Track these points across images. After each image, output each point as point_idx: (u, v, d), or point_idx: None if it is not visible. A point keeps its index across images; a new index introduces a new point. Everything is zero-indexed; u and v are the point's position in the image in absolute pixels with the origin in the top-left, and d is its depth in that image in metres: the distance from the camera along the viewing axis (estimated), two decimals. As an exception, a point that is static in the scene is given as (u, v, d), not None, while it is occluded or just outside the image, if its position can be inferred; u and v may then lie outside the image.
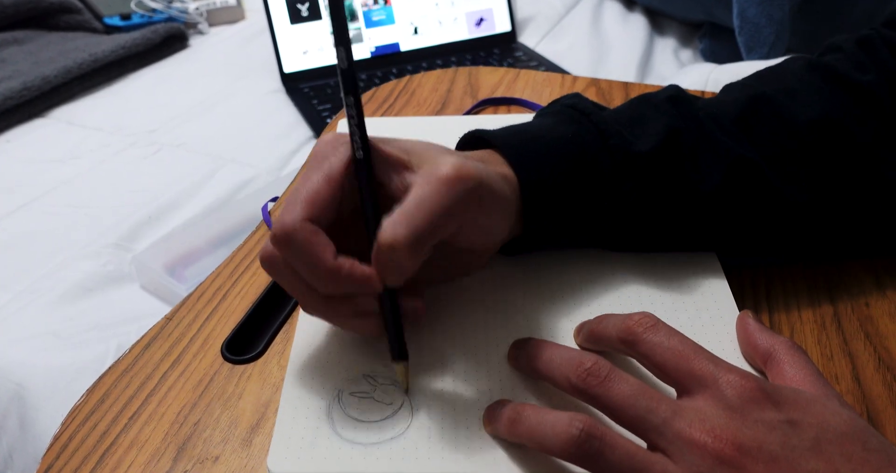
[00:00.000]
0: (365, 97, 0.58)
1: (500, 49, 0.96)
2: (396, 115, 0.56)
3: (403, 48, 0.94)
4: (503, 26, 0.97)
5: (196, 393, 0.34)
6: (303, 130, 0.82)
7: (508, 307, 0.36)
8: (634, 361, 0.30)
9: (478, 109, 0.56)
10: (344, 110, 0.32)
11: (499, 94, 0.58)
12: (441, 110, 0.56)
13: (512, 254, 0.37)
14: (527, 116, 0.41)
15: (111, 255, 0.65)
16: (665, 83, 0.43)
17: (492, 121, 0.52)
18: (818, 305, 0.38)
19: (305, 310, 0.32)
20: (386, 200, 0.31)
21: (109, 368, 0.35)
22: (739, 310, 0.35)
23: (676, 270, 0.37)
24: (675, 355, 0.28)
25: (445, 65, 0.93)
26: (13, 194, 0.72)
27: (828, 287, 0.39)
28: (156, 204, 0.70)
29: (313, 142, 0.79)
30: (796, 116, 0.37)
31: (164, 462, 0.31)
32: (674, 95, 0.38)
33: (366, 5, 0.92)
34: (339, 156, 0.30)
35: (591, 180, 0.35)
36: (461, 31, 0.96)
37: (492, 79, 0.60)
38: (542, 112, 0.40)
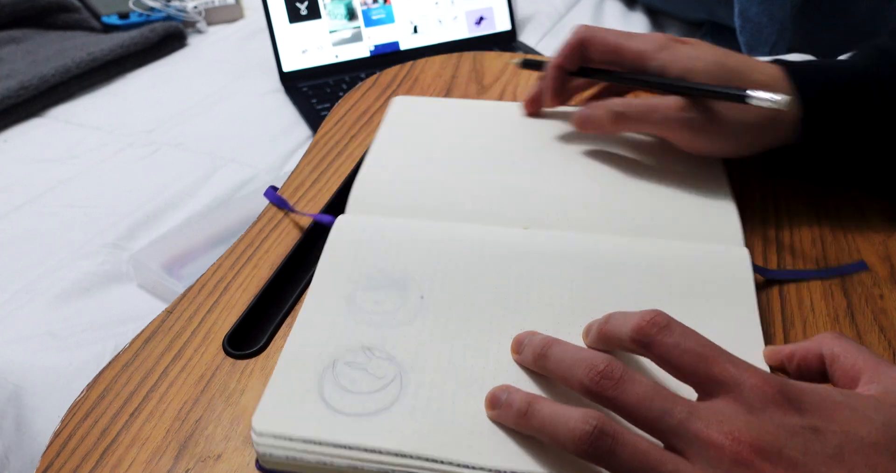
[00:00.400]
0: (367, 83, 0.58)
1: (500, 48, 0.96)
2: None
3: (403, 47, 0.94)
4: (503, 25, 0.97)
5: (198, 389, 0.33)
6: (302, 129, 0.82)
7: (519, 300, 0.35)
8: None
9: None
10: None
11: (505, 78, 0.58)
12: (446, 96, 0.55)
13: (774, 176, 0.43)
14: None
15: (109, 254, 0.64)
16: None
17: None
18: (831, 298, 0.37)
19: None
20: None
21: (109, 363, 0.34)
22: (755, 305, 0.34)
23: (697, 268, 0.36)
24: (693, 357, 0.27)
25: (446, 64, 0.92)
26: (11, 193, 0.72)
27: (841, 280, 0.38)
28: (154, 204, 0.69)
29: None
30: None
31: (165, 461, 0.30)
32: None
33: (365, 4, 0.92)
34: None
35: (879, 114, 0.38)
36: (461, 30, 0.95)
37: (497, 64, 0.60)
38: (854, 53, 0.43)
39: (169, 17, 1.01)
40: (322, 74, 0.90)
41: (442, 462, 0.28)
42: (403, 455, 0.28)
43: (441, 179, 0.43)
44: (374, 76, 0.58)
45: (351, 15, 0.91)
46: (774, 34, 0.83)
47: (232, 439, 0.31)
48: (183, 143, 0.79)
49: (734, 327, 0.34)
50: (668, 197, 0.41)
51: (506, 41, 0.97)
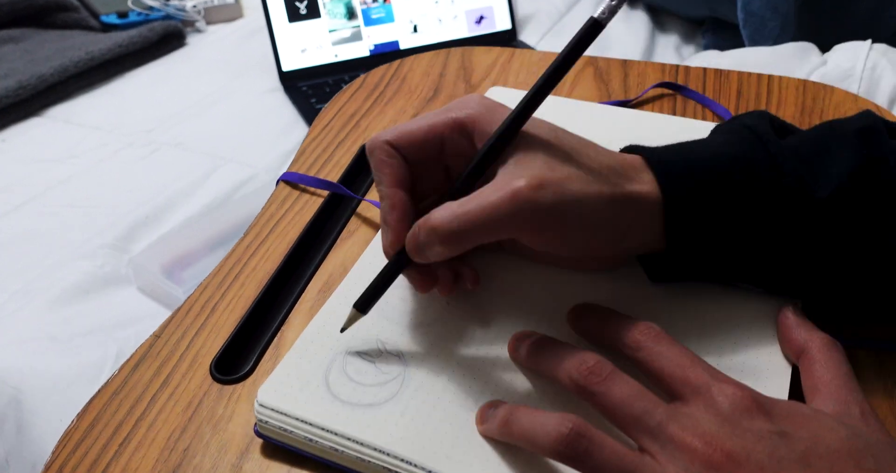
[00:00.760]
0: (354, 85, 0.57)
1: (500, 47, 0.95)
2: (388, 103, 0.54)
3: (403, 46, 0.93)
4: (503, 24, 0.96)
5: (185, 416, 0.33)
6: (301, 128, 0.81)
7: (522, 307, 0.35)
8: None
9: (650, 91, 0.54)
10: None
11: (494, 75, 0.57)
12: (434, 96, 0.55)
13: (656, 280, 0.35)
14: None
15: (108, 256, 0.64)
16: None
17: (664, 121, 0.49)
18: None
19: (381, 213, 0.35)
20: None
21: (99, 390, 0.35)
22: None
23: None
24: (671, 363, 0.29)
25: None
26: (9, 193, 0.72)
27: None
28: (153, 204, 0.69)
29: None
30: None
31: (154, 493, 0.31)
32: (866, 126, 0.33)
33: (365, 3, 0.91)
34: (458, 114, 0.33)
35: (752, 212, 0.32)
36: (461, 29, 0.95)
37: (486, 60, 0.59)
38: (718, 128, 0.37)
39: (168, 17, 1.01)
40: (321, 74, 0.90)
41: (416, 466, 0.29)
42: (382, 451, 0.29)
43: None
44: (361, 77, 0.57)
45: (350, 14, 0.90)
46: (778, 27, 0.82)
47: (219, 468, 0.31)
48: (182, 142, 0.79)
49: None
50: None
51: (506, 40, 0.96)
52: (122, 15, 1.00)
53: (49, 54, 0.90)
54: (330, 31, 0.90)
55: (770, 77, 0.55)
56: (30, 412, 0.53)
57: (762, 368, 0.32)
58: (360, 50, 0.91)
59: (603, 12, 0.31)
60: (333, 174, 0.48)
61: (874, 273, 0.32)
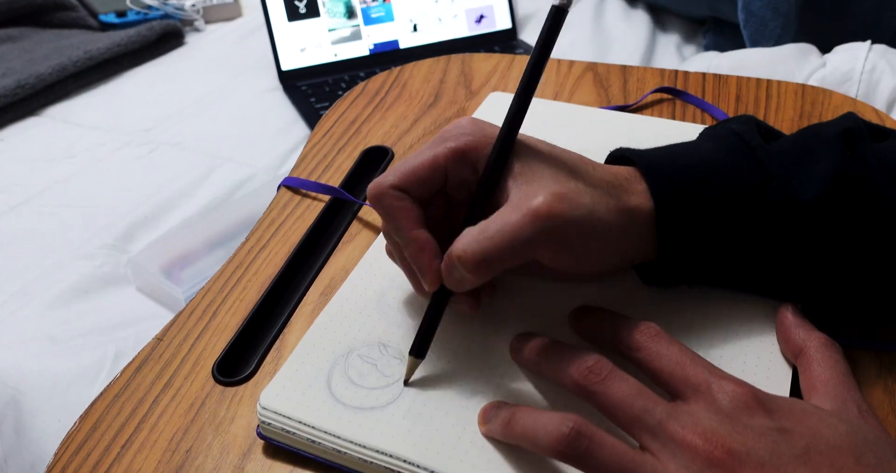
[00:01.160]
0: (355, 91, 0.57)
1: (500, 46, 0.95)
2: (388, 109, 0.55)
3: (403, 45, 0.93)
4: (504, 23, 0.96)
5: (188, 418, 0.33)
6: (300, 128, 0.81)
7: (523, 309, 0.35)
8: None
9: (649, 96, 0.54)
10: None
11: (494, 81, 0.57)
12: (434, 102, 0.55)
13: (649, 283, 0.35)
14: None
15: (107, 256, 0.64)
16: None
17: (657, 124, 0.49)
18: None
19: (389, 255, 0.34)
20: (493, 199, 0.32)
21: (101, 393, 0.35)
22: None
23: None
24: (671, 361, 0.29)
25: (445, 63, 0.91)
26: (7, 193, 0.71)
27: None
28: (152, 204, 0.69)
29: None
30: None
31: (156, 494, 0.31)
32: (848, 128, 0.34)
33: (364, 2, 0.91)
34: (457, 143, 0.32)
35: (741, 219, 0.32)
36: (461, 29, 0.95)
37: (486, 66, 0.59)
38: (706, 133, 0.37)
39: (166, 16, 1.00)
40: (321, 73, 0.90)
41: (418, 467, 0.29)
42: (384, 453, 0.29)
43: None
44: (362, 84, 0.58)
45: (350, 13, 0.90)
46: (779, 28, 0.83)
47: (221, 469, 0.31)
48: (181, 142, 0.79)
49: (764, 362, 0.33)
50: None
51: (506, 40, 0.96)
52: (121, 14, 1.00)
53: (47, 53, 0.89)
54: (329, 31, 0.90)
55: (769, 82, 0.55)
56: (28, 412, 0.53)
57: (763, 368, 0.32)
58: (360, 49, 0.91)
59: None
60: (335, 180, 0.48)
61: (861, 274, 0.32)
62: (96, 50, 0.88)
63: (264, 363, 0.36)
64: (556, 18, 0.31)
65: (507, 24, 0.96)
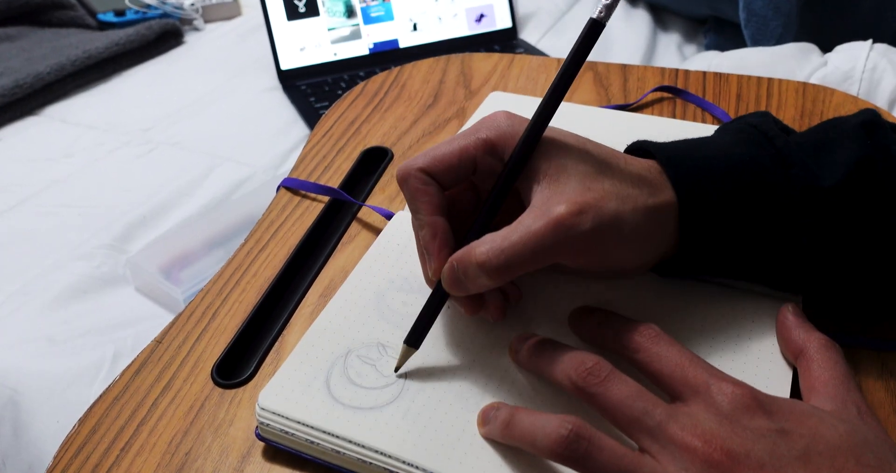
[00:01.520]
0: (354, 92, 0.57)
1: (500, 45, 0.95)
2: (387, 110, 0.55)
3: (402, 45, 0.93)
4: (504, 22, 0.96)
5: (187, 420, 0.33)
6: (300, 127, 0.81)
7: (522, 310, 0.35)
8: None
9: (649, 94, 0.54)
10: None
11: (493, 81, 0.57)
12: (434, 103, 0.55)
13: (666, 276, 0.35)
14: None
15: (105, 256, 0.64)
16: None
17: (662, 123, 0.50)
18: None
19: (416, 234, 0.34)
20: (513, 193, 0.32)
21: (100, 395, 0.35)
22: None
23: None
24: (671, 363, 0.29)
25: (445, 62, 0.91)
26: (5, 193, 0.71)
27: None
28: (150, 204, 0.69)
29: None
30: None
31: (155, 496, 0.31)
32: (868, 119, 0.34)
33: (364, 1, 0.90)
34: (488, 134, 0.32)
35: (762, 210, 0.32)
36: (461, 28, 0.94)
37: (485, 66, 0.59)
38: (723, 128, 0.37)
39: (165, 15, 1.00)
40: (320, 72, 0.89)
41: (417, 468, 0.29)
42: (383, 453, 0.29)
43: None
44: (361, 84, 0.58)
45: (350, 12, 0.90)
46: (780, 27, 0.82)
47: (221, 471, 0.31)
48: (180, 142, 0.79)
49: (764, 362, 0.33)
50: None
51: (506, 38, 0.96)
52: (119, 13, 1.00)
53: (46, 53, 0.89)
54: (329, 30, 0.90)
55: (770, 80, 0.55)
56: (27, 413, 0.53)
57: (763, 369, 0.32)
58: (360, 48, 0.91)
59: (601, 12, 0.31)
60: (334, 180, 0.48)
61: (880, 263, 0.32)
62: (95, 49, 0.88)
63: (263, 365, 0.36)
64: (592, 31, 0.31)
65: (508, 24, 0.96)
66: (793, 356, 0.32)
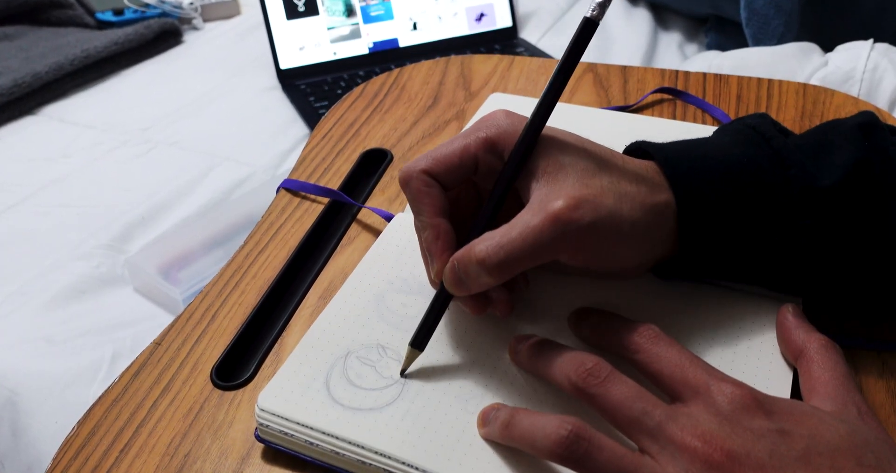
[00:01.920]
0: (354, 93, 0.57)
1: (500, 45, 0.95)
2: (387, 111, 0.55)
3: (402, 44, 0.93)
4: (504, 21, 0.96)
5: (186, 422, 0.33)
6: (299, 127, 0.81)
7: (522, 310, 0.35)
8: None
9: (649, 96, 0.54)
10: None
11: (493, 82, 0.57)
12: (433, 104, 0.55)
13: (666, 278, 0.35)
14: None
15: (104, 256, 0.64)
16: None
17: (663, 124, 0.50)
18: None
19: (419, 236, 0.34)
20: (514, 194, 0.32)
21: (99, 397, 0.35)
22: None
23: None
24: (670, 363, 0.29)
25: (445, 61, 0.91)
26: (3, 193, 0.71)
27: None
28: (149, 204, 0.69)
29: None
30: None
31: (155, 497, 0.31)
32: (866, 121, 0.34)
33: (364, 0, 0.90)
34: (488, 133, 0.32)
35: (761, 210, 0.32)
36: (461, 27, 0.94)
37: (485, 68, 0.59)
38: (721, 129, 0.37)
39: (164, 14, 1.00)
40: (320, 72, 0.89)
41: (417, 469, 0.29)
42: (383, 454, 0.29)
43: None
44: (361, 86, 0.58)
45: (349, 11, 0.90)
46: (782, 26, 0.82)
47: (220, 473, 0.31)
48: (178, 141, 0.79)
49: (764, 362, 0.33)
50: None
51: (507, 38, 0.96)
52: (118, 12, 1.00)
53: (44, 52, 0.89)
54: (328, 29, 0.90)
55: (770, 81, 0.55)
56: (25, 413, 0.53)
57: (763, 370, 0.32)
58: (359, 48, 0.91)
59: (594, 10, 0.31)
60: (334, 182, 0.48)
61: (878, 264, 0.32)
62: (93, 48, 0.88)
63: (263, 366, 0.36)
64: (585, 30, 0.31)
65: (508, 23, 0.96)
66: (793, 357, 0.32)
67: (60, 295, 0.59)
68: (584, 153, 0.32)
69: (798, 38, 0.82)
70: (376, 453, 0.29)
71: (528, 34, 0.97)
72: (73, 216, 0.68)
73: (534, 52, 0.93)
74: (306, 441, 0.30)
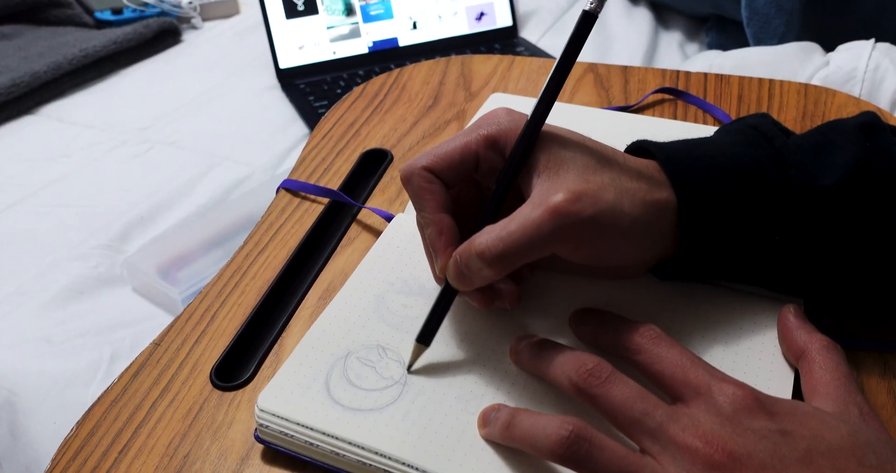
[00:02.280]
0: (354, 94, 0.57)
1: (501, 44, 0.95)
2: (387, 112, 0.54)
3: (402, 43, 0.92)
4: (504, 21, 0.96)
5: (185, 423, 0.33)
6: (299, 127, 0.81)
7: (523, 311, 0.35)
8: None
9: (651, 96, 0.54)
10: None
11: (493, 82, 0.57)
12: (433, 104, 0.55)
13: (666, 279, 0.35)
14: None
15: (102, 256, 0.63)
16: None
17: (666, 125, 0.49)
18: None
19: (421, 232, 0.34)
20: (516, 191, 0.32)
21: (98, 398, 0.34)
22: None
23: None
24: (672, 364, 0.29)
25: (445, 60, 0.91)
26: (2, 192, 0.71)
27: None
28: (148, 203, 0.69)
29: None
30: None
31: (154, 498, 0.30)
32: (867, 121, 0.34)
33: (363, -1, 0.90)
34: (488, 130, 0.33)
35: (761, 210, 0.32)
36: (461, 26, 0.94)
37: (485, 68, 0.59)
38: (722, 129, 0.37)
39: (163, 13, 1.00)
40: (319, 71, 0.89)
41: (417, 469, 0.29)
42: (383, 455, 0.29)
43: None
44: (361, 86, 0.58)
45: (349, 10, 0.90)
46: (783, 25, 0.82)
47: (219, 475, 0.31)
48: (177, 141, 0.79)
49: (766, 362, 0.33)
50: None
51: (507, 37, 0.96)
52: (117, 11, 0.99)
53: (42, 51, 0.89)
54: (328, 28, 0.89)
55: (771, 81, 0.55)
56: (24, 414, 0.52)
57: (764, 371, 0.32)
58: (359, 47, 0.91)
59: (592, 3, 0.31)
60: (334, 182, 0.48)
61: (879, 264, 0.32)
62: (92, 48, 0.87)
63: (262, 367, 0.36)
64: (585, 23, 0.31)
65: (508, 22, 0.96)
66: (794, 358, 0.31)
67: (59, 295, 0.59)
68: (585, 150, 0.32)
69: (799, 37, 0.82)
70: (376, 453, 0.29)
71: (528, 33, 0.97)
72: (71, 216, 0.68)
73: (534, 51, 0.93)
74: (306, 441, 0.30)
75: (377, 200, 0.46)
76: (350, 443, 0.30)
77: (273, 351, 0.36)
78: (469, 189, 0.35)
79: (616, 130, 0.47)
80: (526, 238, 0.29)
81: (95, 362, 0.54)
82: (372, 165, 0.50)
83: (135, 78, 0.91)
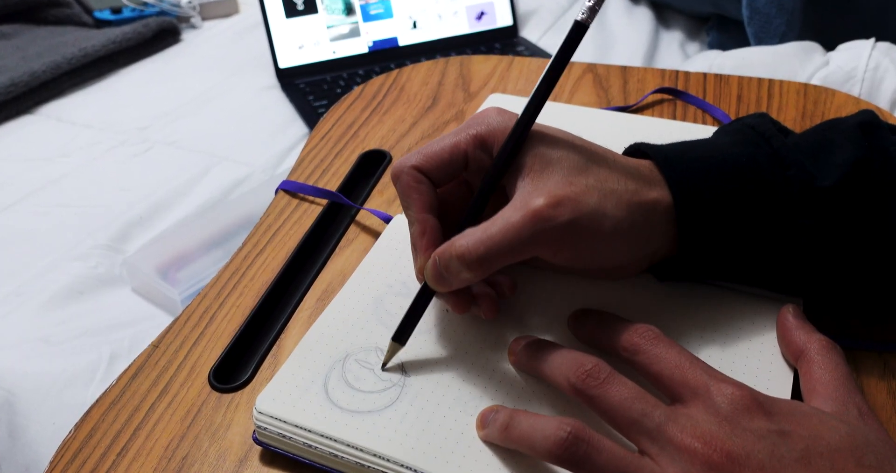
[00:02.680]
0: (353, 94, 0.57)
1: (501, 44, 0.95)
2: (386, 112, 0.54)
3: (402, 43, 0.92)
4: (505, 20, 0.95)
5: (184, 425, 0.33)
6: (298, 126, 0.81)
7: (521, 312, 0.35)
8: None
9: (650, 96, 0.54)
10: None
11: (492, 83, 0.57)
12: (432, 105, 0.55)
13: (665, 279, 0.35)
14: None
15: (101, 256, 0.63)
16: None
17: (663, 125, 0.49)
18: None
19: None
20: (502, 191, 0.32)
21: (97, 400, 0.34)
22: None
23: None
24: (670, 365, 0.29)
25: (444, 60, 0.91)
26: (1, 192, 0.71)
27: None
28: (147, 203, 0.69)
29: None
30: None
31: (152, 500, 0.30)
32: (866, 120, 0.34)
33: (363, -2, 0.90)
34: (478, 130, 0.33)
35: (760, 209, 0.32)
36: (461, 26, 0.94)
37: (484, 68, 0.59)
38: (721, 129, 0.37)
39: (162, 12, 1.00)
40: (319, 71, 0.89)
41: (415, 471, 0.29)
42: (381, 457, 0.29)
43: None
44: (360, 87, 0.58)
45: (349, 10, 0.90)
46: (784, 25, 0.82)
47: (217, 477, 0.31)
48: (177, 141, 0.78)
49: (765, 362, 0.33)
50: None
51: (507, 36, 0.96)
52: (116, 11, 0.99)
53: (41, 51, 0.89)
54: (328, 28, 0.89)
55: (770, 81, 0.55)
56: (23, 414, 0.52)
57: (764, 371, 0.32)
58: (359, 46, 0.91)
59: (584, 13, 0.31)
60: (332, 183, 0.47)
61: (878, 263, 0.32)
62: (91, 47, 0.87)
63: (261, 369, 0.36)
64: (576, 33, 0.31)
65: (508, 22, 0.96)
66: (793, 358, 0.31)
67: (58, 296, 0.59)
68: (572, 150, 0.32)
69: (800, 37, 0.82)
70: (375, 455, 0.29)
71: (528, 33, 0.97)
72: (70, 216, 0.68)
73: (534, 50, 0.93)
74: (304, 443, 0.30)
75: (376, 201, 0.46)
76: (348, 445, 0.30)
77: (271, 353, 0.36)
78: (458, 188, 0.35)
79: (615, 131, 0.47)
80: (506, 242, 0.30)
81: (95, 362, 0.54)
82: (371, 166, 0.50)
83: (134, 77, 0.91)
